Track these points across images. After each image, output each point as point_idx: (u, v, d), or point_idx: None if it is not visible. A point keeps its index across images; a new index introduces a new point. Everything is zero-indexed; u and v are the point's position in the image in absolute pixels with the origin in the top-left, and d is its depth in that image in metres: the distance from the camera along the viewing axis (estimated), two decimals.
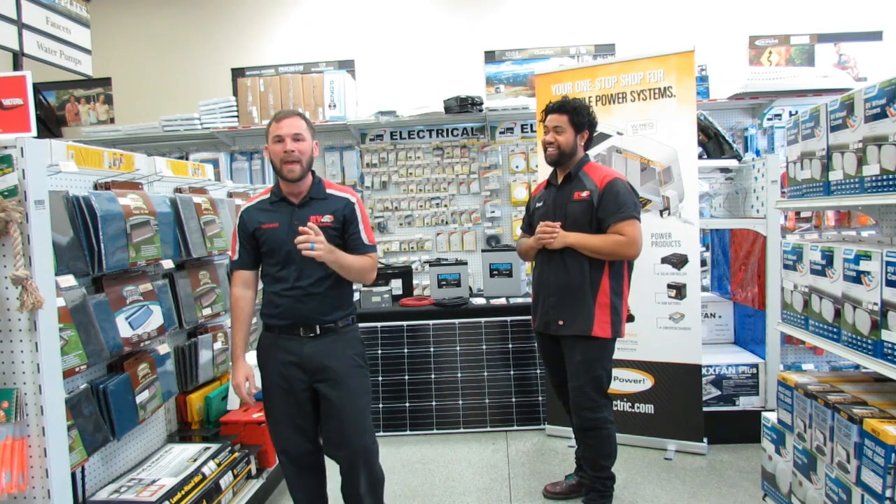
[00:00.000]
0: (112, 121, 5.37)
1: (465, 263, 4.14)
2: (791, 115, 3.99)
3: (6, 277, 1.75)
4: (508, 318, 3.83)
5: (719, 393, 3.43)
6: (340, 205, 2.19)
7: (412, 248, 5.02)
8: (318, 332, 2.16)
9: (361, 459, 2.17)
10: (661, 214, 3.29)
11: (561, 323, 2.58)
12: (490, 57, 5.12)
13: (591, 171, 2.61)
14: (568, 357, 2.60)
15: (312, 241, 1.98)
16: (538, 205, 2.75)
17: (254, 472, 2.82)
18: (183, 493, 2.29)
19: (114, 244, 2.20)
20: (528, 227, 2.81)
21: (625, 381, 3.38)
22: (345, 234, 2.19)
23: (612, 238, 2.48)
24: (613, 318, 2.54)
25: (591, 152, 2.83)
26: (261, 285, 2.31)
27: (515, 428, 3.69)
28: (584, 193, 2.55)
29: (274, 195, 2.21)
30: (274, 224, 2.16)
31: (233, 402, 2.99)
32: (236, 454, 2.70)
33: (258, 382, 2.29)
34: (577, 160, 2.64)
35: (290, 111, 2.17)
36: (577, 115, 2.59)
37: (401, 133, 5.02)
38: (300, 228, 2.01)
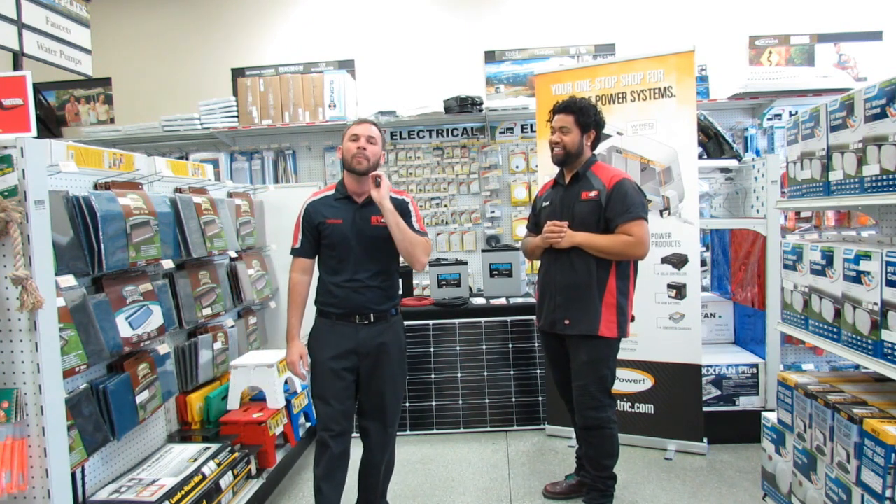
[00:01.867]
0: (112, 121, 5.36)
1: (465, 263, 4.14)
2: (791, 115, 3.99)
3: (6, 277, 1.75)
4: (508, 318, 3.82)
5: (719, 393, 3.43)
6: (397, 204, 2.38)
7: None
8: (371, 319, 2.37)
9: (391, 433, 2.46)
10: (661, 214, 3.29)
11: (567, 322, 2.57)
12: (490, 57, 5.11)
13: (598, 171, 2.62)
14: (573, 356, 2.60)
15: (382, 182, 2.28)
16: (545, 204, 2.75)
17: (254, 472, 2.82)
18: (183, 493, 2.29)
19: (114, 244, 2.20)
20: (535, 227, 2.80)
21: (625, 381, 3.38)
22: None
23: (619, 238, 2.48)
24: (620, 318, 2.54)
25: (596, 154, 2.83)
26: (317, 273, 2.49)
27: (515, 428, 3.69)
28: (592, 193, 2.55)
29: (339, 192, 2.41)
30: (338, 220, 2.35)
31: (233, 403, 3.00)
32: (236, 454, 2.70)
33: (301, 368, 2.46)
34: (584, 160, 2.64)
35: (368, 119, 2.46)
36: (583, 115, 2.60)
37: (401, 133, 5.02)
38: (372, 175, 2.30)
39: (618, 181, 2.53)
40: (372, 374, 2.37)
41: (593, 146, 2.69)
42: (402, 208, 2.41)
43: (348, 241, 2.34)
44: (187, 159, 4.83)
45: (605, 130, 3.35)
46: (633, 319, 2.65)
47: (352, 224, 2.35)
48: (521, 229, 4.73)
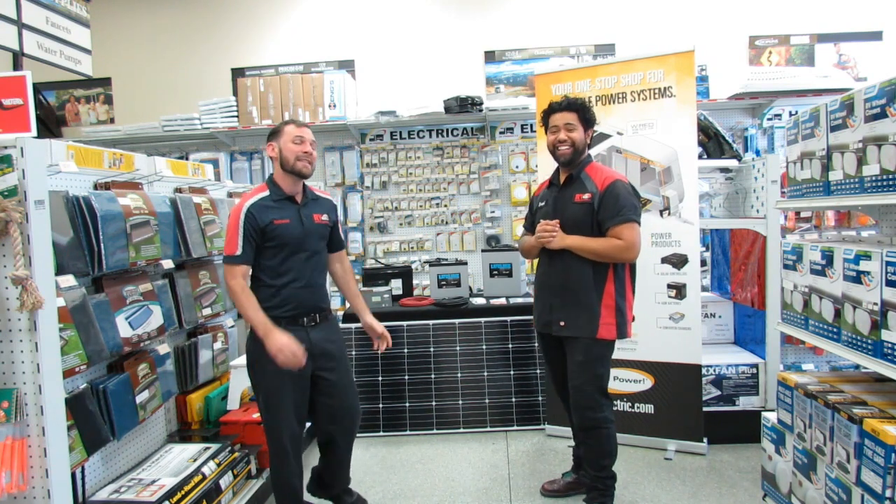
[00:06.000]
0: (112, 121, 5.37)
1: (465, 263, 4.14)
2: (791, 115, 3.99)
3: (6, 277, 1.76)
4: (508, 318, 3.82)
5: (719, 393, 3.43)
6: (330, 206, 2.54)
7: (412, 248, 5.02)
8: (317, 320, 2.41)
9: (357, 425, 2.54)
10: (661, 214, 3.29)
11: (562, 324, 2.57)
12: (490, 57, 5.12)
13: (592, 172, 2.59)
14: (570, 357, 2.60)
15: None
16: (540, 204, 2.74)
17: (254, 472, 2.82)
18: (183, 493, 2.29)
19: (114, 244, 2.20)
20: (531, 227, 2.80)
21: (625, 381, 3.38)
22: (331, 230, 2.53)
23: (610, 242, 2.47)
24: (619, 320, 2.53)
25: (592, 152, 2.82)
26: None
27: (515, 428, 3.69)
28: (586, 196, 2.54)
29: (275, 194, 2.36)
30: (286, 220, 2.33)
31: (233, 403, 3.00)
32: (236, 454, 2.70)
33: (258, 376, 2.39)
34: (581, 160, 2.62)
35: (305, 122, 2.45)
36: (586, 111, 2.59)
37: (401, 133, 5.02)
38: None
39: (610, 183, 2.51)
40: (332, 374, 2.41)
41: (589, 146, 2.69)
42: (334, 212, 2.54)
43: (300, 241, 2.34)
44: (187, 159, 4.83)
45: (606, 130, 3.37)
46: (632, 319, 2.65)
47: (300, 223, 2.36)
48: (521, 229, 4.73)
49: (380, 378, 3.75)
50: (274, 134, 2.38)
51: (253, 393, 2.43)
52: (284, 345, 2.18)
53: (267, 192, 2.35)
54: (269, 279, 2.33)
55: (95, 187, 2.33)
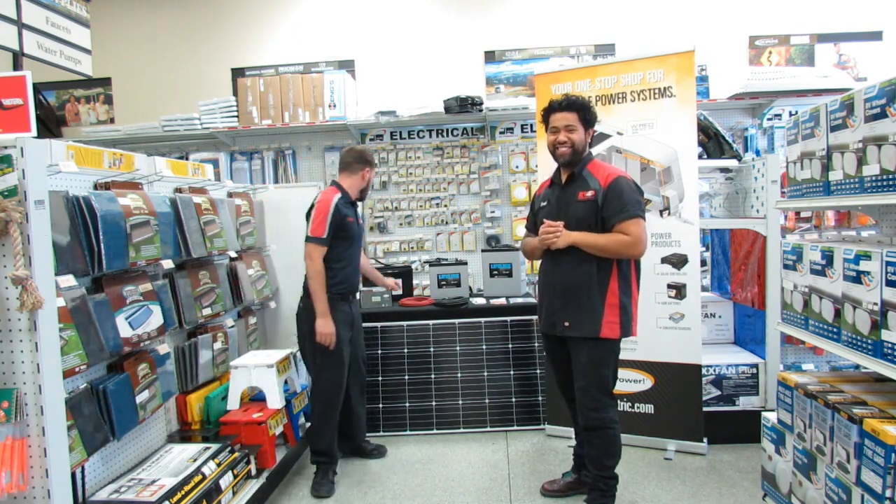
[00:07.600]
0: (112, 121, 5.37)
1: (465, 263, 4.14)
2: (791, 115, 3.99)
3: (6, 277, 1.76)
4: (508, 318, 3.82)
5: (719, 393, 3.43)
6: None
7: (412, 248, 5.03)
8: (356, 297, 3.21)
9: (364, 378, 3.35)
10: (661, 214, 3.29)
11: (567, 324, 2.54)
12: (490, 57, 5.11)
13: (594, 169, 2.58)
14: (574, 357, 2.57)
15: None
16: (542, 204, 2.72)
17: (254, 472, 2.82)
18: (183, 493, 2.29)
19: (114, 244, 2.20)
20: (533, 227, 2.76)
21: (625, 381, 3.37)
22: None
23: (616, 237, 2.45)
24: (623, 319, 2.51)
25: (591, 152, 2.82)
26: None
27: (515, 428, 3.69)
28: (589, 193, 2.51)
29: (346, 198, 3.06)
30: (352, 218, 3.07)
31: (233, 403, 3.00)
32: (236, 454, 2.70)
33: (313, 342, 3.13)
34: (582, 159, 2.60)
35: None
36: (587, 111, 2.56)
37: (401, 133, 5.02)
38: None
39: (613, 179, 2.49)
40: (357, 336, 3.22)
41: (590, 144, 2.67)
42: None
43: (358, 235, 3.08)
44: (187, 159, 4.83)
45: (606, 130, 3.38)
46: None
47: (357, 222, 3.10)
48: (522, 229, 4.73)
49: (380, 378, 3.75)
50: (370, 163, 3.14)
51: (307, 356, 3.10)
52: (329, 332, 2.92)
53: (341, 195, 3.01)
54: (334, 263, 2.99)
55: (95, 187, 2.33)
